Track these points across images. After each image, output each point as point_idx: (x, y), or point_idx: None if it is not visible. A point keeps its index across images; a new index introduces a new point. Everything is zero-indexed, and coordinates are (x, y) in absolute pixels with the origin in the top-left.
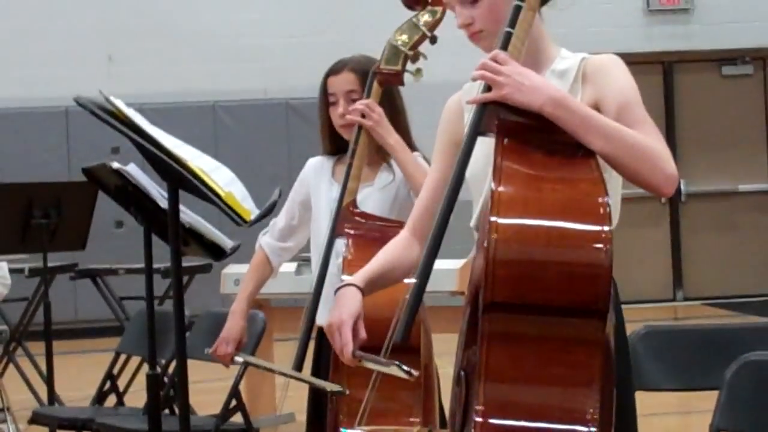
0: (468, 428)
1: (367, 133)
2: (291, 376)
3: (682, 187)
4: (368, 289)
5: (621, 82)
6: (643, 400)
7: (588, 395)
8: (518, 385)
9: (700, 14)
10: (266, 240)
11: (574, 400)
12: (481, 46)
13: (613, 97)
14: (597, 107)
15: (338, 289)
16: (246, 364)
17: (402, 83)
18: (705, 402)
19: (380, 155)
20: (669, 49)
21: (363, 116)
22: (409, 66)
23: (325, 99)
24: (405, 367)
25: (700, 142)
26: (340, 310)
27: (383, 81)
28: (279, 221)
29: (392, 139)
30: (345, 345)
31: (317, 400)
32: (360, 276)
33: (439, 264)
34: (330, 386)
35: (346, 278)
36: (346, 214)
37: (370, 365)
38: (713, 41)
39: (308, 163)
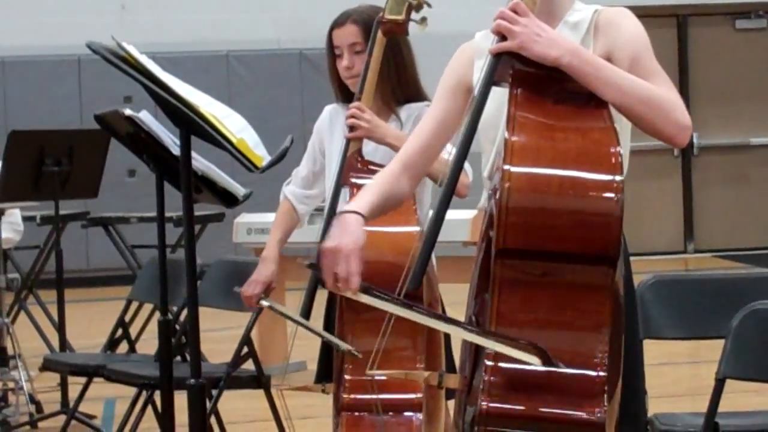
0: (479, 372)
1: (374, 80)
2: (311, 330)
3: (695, 140)
4: (370, 217)
5: (633, 35)
6: (654, 349)
7: (597, 340)
8: (528, 329)
9: None
10: (290, 189)
11: (584, 345)
12: None
13: (625, 50)
14: (609, 59)
15: (342, 213)
16: (271, 309)
17: (406, 32)
18: (714, 352)
19: (387, 106)
20: (683, 2)
21: (352, 128)
22: (414, 15)
23: (332, 52)
24: (401, 307)
25: (713, 96)
26: (348, 237)
27: (387, 31)
28: (301, 170)
29: (390, 136)
30: (352, 275)
31: (329, 346)
32: (363, 204)
33: (451, 214)
34: (344, 346)
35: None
36: (351, 164)
37: (366, 299)
38: None
39: (324, 110)
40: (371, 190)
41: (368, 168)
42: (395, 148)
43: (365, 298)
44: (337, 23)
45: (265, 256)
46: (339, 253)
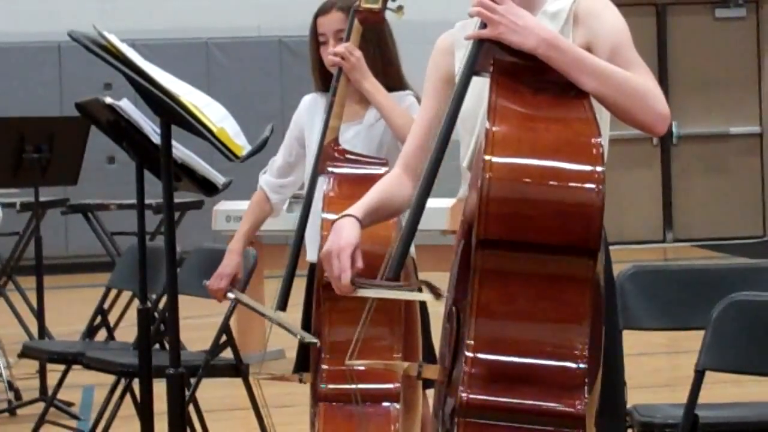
0: (459, 363)
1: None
2: (272, 320)
3: (674, 129)
4: (366, 221)
5: (613, 25)
6: (633, 339)
7: (578, 332)
8: (509, 321)
9: None
10: (265, 178)
11: (564, 336)
12: None
13: (605, 40)
14: (589, 49)
15: (335, 220)
16: (236, 302)
17: (382, 21)
18: (693, 342)
19: None
20: None
21: (343, 59)
22: (390, 4)
23: (315, 39)
24: (406, 288)
25: (692, 85)
26: (339, 237)
27: (363, 20)
28: (277, 159)
29: (367, 83)
30: (343, 271)
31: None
32: (358, 208)
33: (430, 203)
34: (304, 335)
35: (326, 216)
36: (328, 152)
37: (365, 292)
38: None
39: (303, 100)
40: (368, 194)
41: (345, 157)
42: (369, 95)
43: (361, 292)
44: (323, 10)
45: (231, 248)
46: (329, 254)
